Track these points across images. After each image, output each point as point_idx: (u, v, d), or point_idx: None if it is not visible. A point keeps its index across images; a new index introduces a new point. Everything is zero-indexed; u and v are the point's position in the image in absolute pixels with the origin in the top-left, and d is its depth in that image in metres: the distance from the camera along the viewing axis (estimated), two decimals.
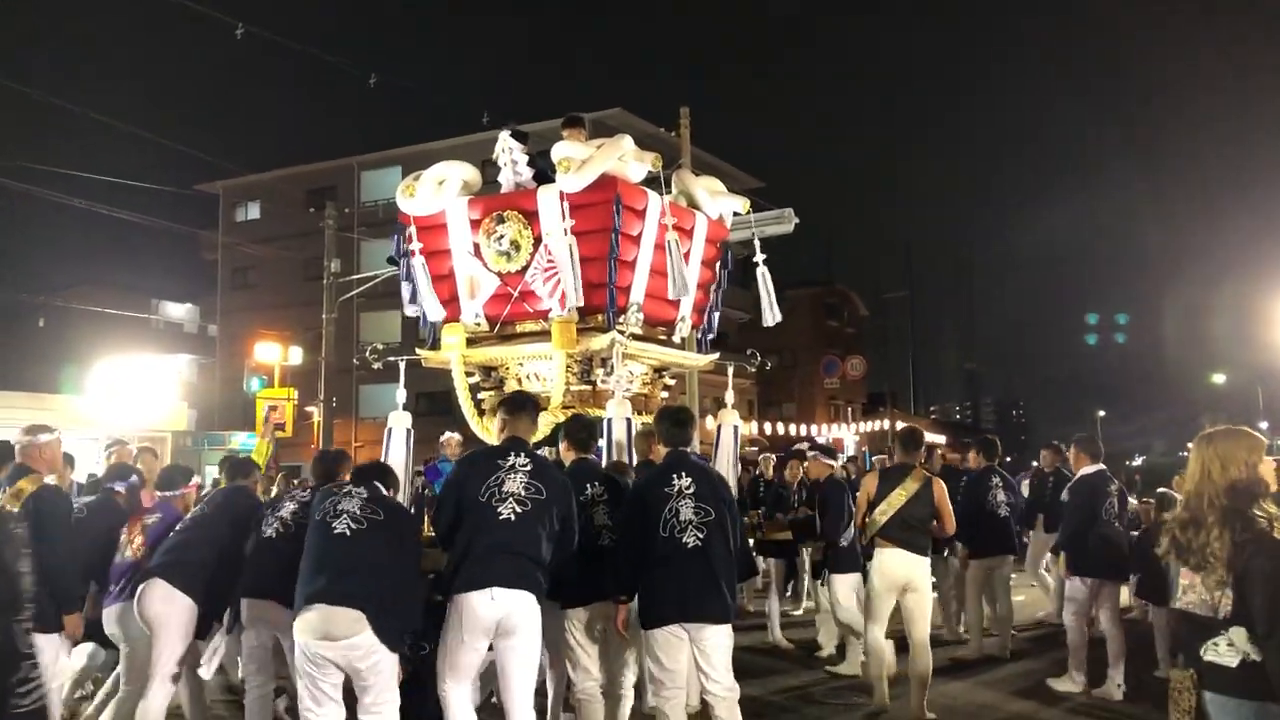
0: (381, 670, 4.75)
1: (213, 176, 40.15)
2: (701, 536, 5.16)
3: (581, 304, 7.46)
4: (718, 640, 5.22)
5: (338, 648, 4.70)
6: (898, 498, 6.73)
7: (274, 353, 25.12)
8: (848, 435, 36.33)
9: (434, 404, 38.93)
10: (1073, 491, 7.85)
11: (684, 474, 5.30)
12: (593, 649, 5.56)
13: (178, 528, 6.02)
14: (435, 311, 8.30)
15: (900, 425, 36.72)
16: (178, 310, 49.26)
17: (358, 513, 4.87)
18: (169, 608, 5.59)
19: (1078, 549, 7.68)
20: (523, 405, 5.61)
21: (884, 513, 6.72)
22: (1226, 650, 3.30)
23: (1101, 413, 65.37)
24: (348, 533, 4.83)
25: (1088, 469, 7.83)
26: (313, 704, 4.79)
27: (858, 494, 7.21)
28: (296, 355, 25.88)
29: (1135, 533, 8.65)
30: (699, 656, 5.21)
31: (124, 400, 22.05)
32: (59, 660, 5.46)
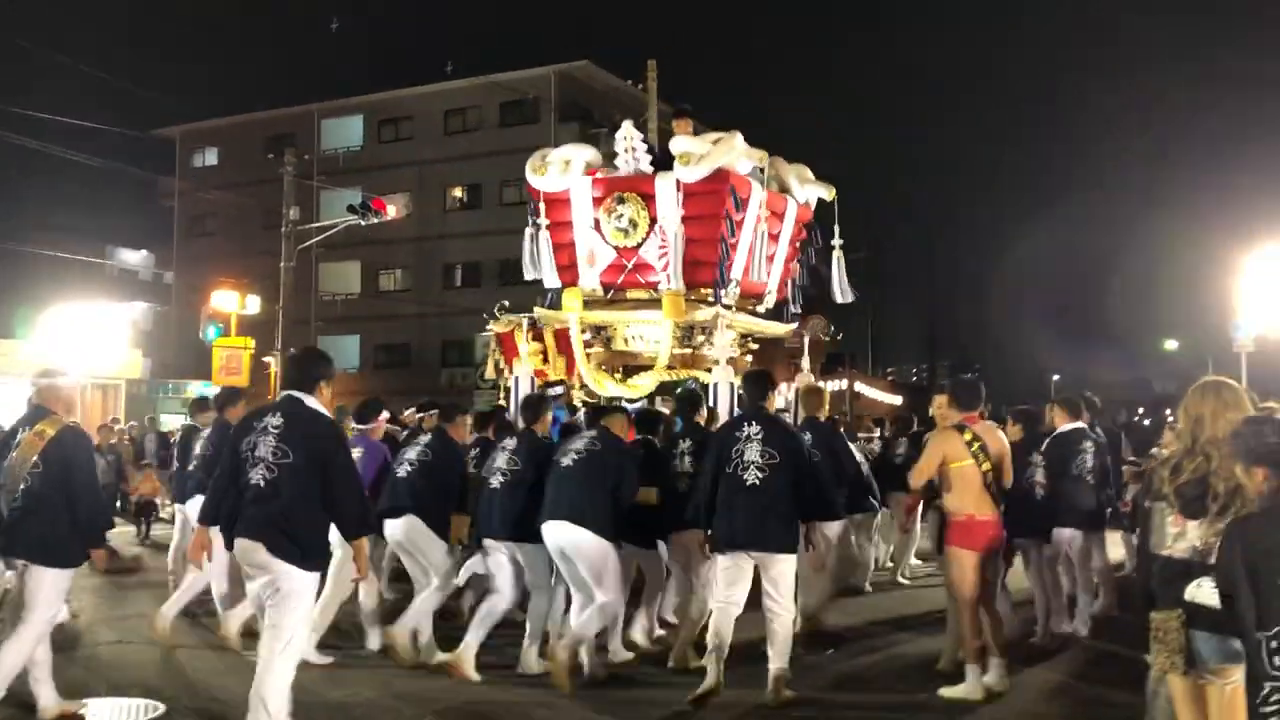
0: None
1: (169, 120, 39.31)
2: (762, 476, 5.91)
3: (683, 284, 8.65)
4: (779, 567, 5.97)
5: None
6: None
7: (231, 301, 24.76)
8: None
9: (392, 356, 38.87)
10: (1047, 447, 7.97)
11: (754, 423, 6.11)
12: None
13: (405, 470, 6.89)
14: (552, 279, 9.50)
15: (859, 385, 36.97)
16: (133, 257, 48.43)
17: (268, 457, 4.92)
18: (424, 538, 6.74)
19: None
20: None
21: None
22: (1211, 591, 3.46)
23: (1056, 377, 66.15)
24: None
25: (1065, 426, 8.00)
26: None
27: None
28: (254, 304, 25.51)
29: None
30: (764, 579, 5.98)
31: (76, 346, 21.68)
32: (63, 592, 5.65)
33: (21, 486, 5.33)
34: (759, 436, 5.98)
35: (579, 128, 35.52)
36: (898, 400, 38.05)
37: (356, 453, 6.92)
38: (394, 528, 6.78)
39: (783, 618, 5.95)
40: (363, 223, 22.76)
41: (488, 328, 10.79)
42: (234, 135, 39.45)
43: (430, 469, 6.84)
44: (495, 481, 6.64)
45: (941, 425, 6.60)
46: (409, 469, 6.87)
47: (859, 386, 37.31)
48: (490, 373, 15.01)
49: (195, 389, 34.08)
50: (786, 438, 6.15)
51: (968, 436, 6.10)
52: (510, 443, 6.88)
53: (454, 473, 7.02)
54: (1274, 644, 3.11)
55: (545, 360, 14.01)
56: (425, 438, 7.25)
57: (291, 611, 4.76)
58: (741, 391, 6.60)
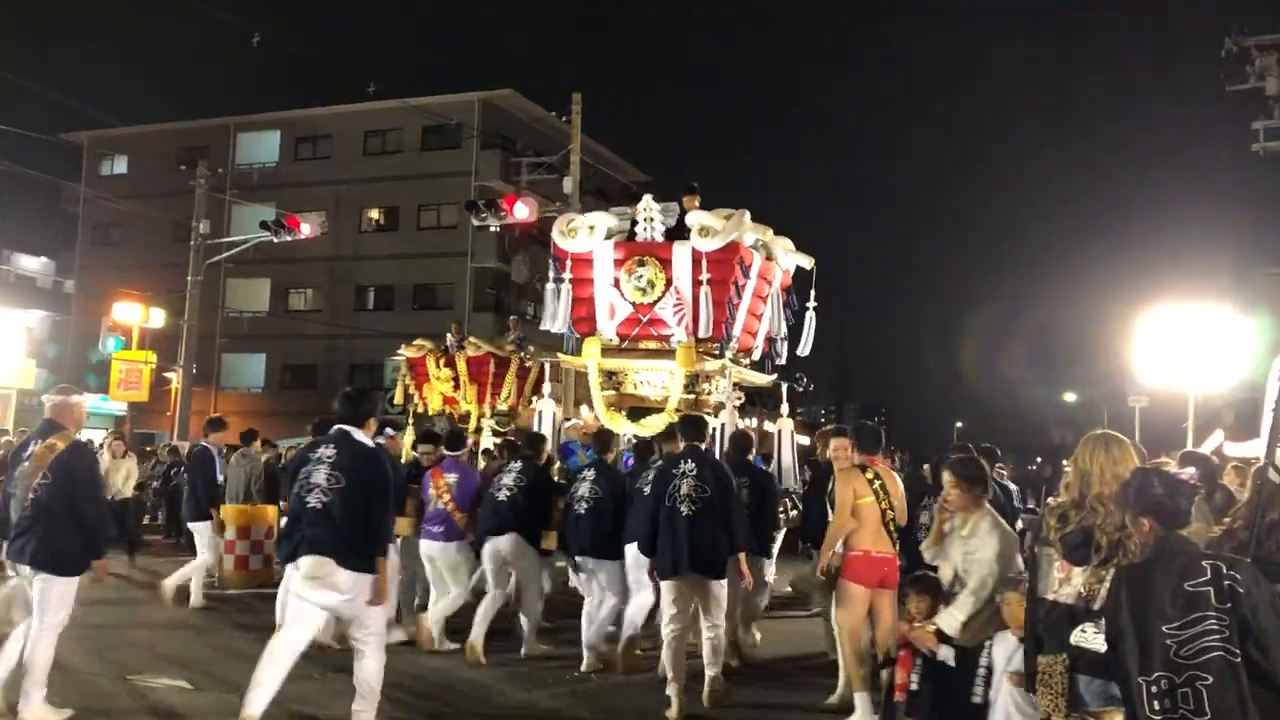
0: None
1: (78, 125, 38.24)
2: (694, 508, 6.61)
3: (712, 335, 9.87)
4: (708, 589, 6.66)
5: None
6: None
7: (134, 313, 24.13)
8: None
9: (299, 376, 38.15)
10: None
11: (690, 460, 6.83)
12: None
13: (505, 494, 8.01)
14: (563, 324, 10.45)
15: (768, 425, 37.28)
16: (32, 263, 46.84)
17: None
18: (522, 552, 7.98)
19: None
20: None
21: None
22: (1095, 636, 3.56)
23: (959, 424, 67.68)
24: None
25: None
26: None
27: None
28: (158, 318, 24.90)
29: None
30: (699, 602, 6.68)
31: None
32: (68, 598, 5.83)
33: (30, 497, 5.69)
34: (693, 473, 6.73)
35: (500, 155, 35.47)
36: (806, 440, 38.51)
37: (451, 477, 8.24)
38: (498, 544, 7.93)
39: (717, 634, 6.69)
40: (275, 240, 22.37)
41: (399, 352, 10.94)
42: (145, 144, 38.47)
43: (527, 491, 8.00)
44: (581, 508, 7.76)
45: (839, 466, 7.01)
46: (508, 493, 8.01)
47: (769, 425, 37.57)
48: (399, 398, 14.88)
49: (91, 402, 33.07)
50: (717, 471, 6.89)
51: (869, 475, 6.32)
52: (590, 473, 7.99)
53: (547, 492, 8.24)
54: (1153, 689, 3.22)
55: (456, 387, 13.99)
56: (516, 464, 8.28)
57: (374, 611, 5.53)
58: (680, 434, 7.35)
